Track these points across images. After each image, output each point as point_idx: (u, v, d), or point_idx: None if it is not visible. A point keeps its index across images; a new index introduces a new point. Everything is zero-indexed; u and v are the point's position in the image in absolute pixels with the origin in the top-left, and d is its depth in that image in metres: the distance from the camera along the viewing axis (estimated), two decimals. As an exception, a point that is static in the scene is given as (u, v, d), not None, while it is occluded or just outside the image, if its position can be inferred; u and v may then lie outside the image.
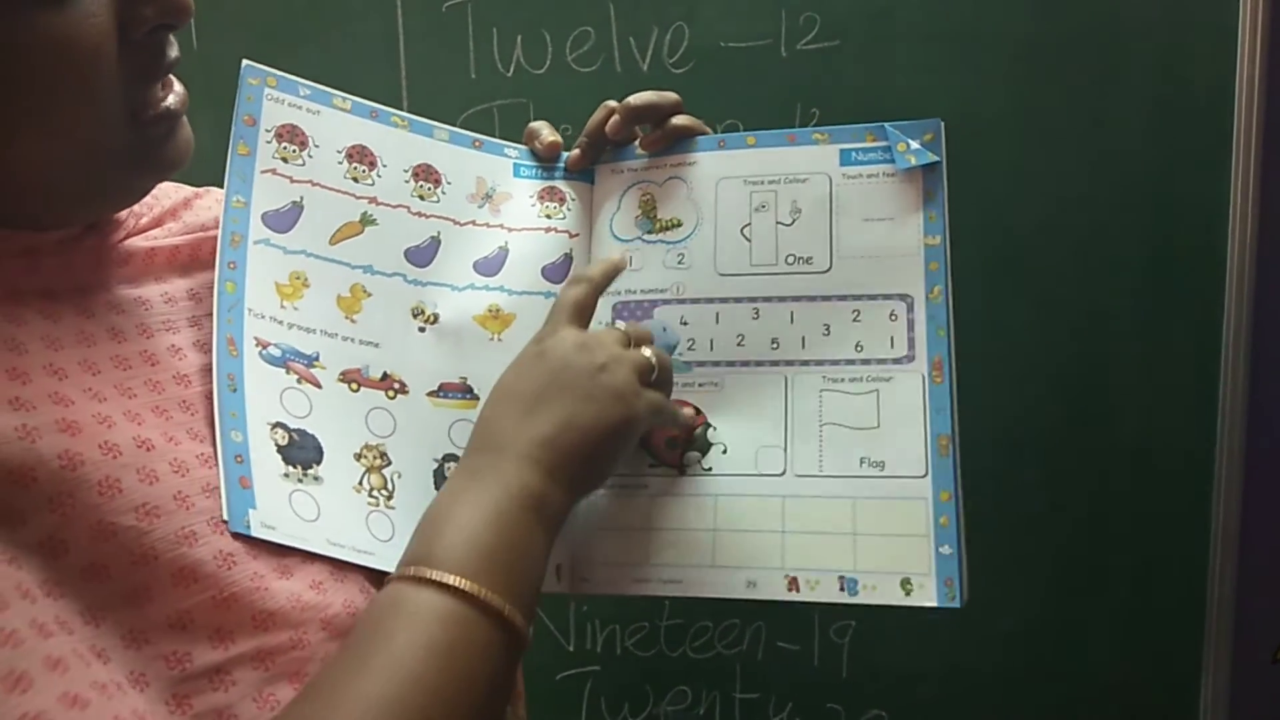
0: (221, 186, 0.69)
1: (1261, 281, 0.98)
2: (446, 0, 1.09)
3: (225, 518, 0.55)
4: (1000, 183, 1.01)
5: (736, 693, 1.10)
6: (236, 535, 0.55)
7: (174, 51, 0.56)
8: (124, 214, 0.63)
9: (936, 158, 0.71)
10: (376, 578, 0.61)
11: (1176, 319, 1.00)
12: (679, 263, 0.75)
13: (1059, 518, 1.03)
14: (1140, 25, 0.98)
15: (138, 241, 0.63)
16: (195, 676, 0.50)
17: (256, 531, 0.56)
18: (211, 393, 0.60)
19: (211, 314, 0.63)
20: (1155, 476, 1.02)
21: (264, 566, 0.55)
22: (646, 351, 0.69)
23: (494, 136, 0.80)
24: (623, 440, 0.66)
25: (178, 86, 0.57)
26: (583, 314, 0.69)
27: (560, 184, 0.79)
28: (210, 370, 0.61)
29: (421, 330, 0.72)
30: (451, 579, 0.54)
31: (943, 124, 0.71)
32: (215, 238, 0.66)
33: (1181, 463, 1.01)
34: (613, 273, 0.72)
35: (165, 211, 0.67)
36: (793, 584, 0.68)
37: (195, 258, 0.66)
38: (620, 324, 0.71)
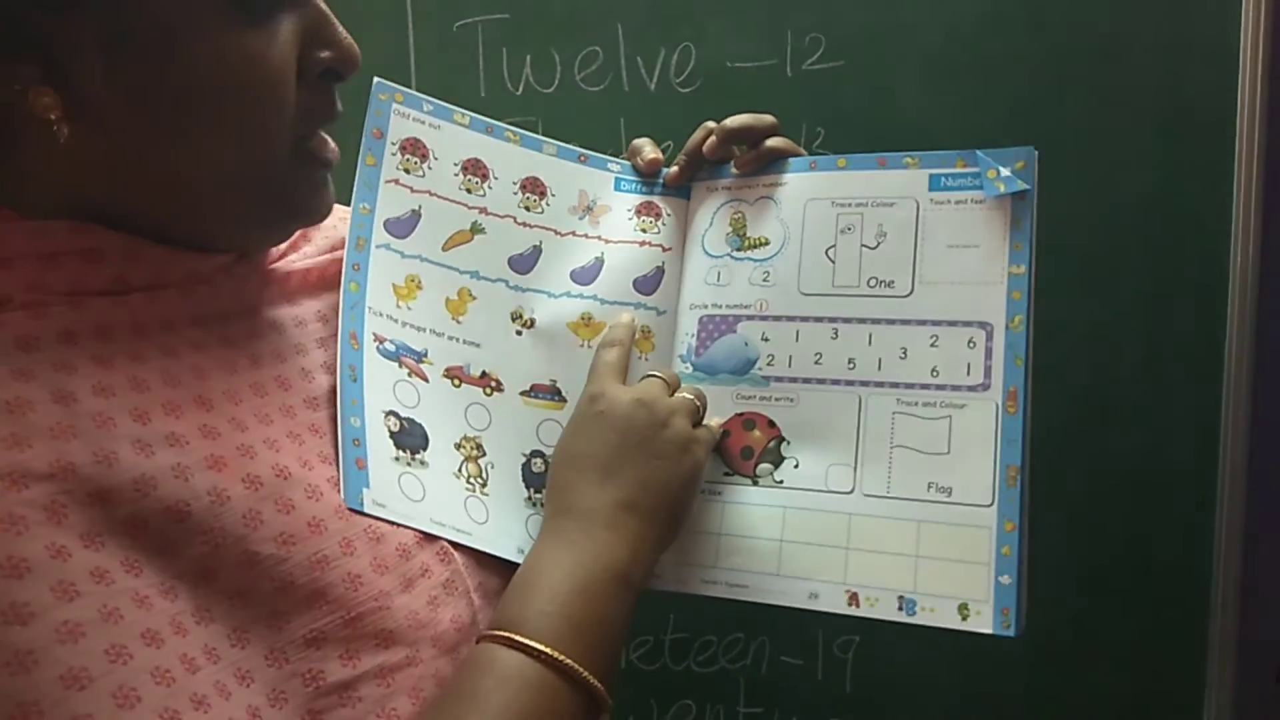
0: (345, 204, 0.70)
1: (1264, 297, 0.98)
2: (458, 19, 1.08)
3: (341, 495, 0.58)
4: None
5: (740, 706, 1.09)
6: (352, 536, 0.57)
7: (338, 104, 0.59)
8: None
9: (1027, 186, 0.69)
10: (481, 589, 0.64)
11: (1180, 335, 0.99)
12: (764, 280, 0.75)
13: (1060, 534, 1.02)
14: (1141, 44, 0.98)
15: (278, 266, 0.66)
16: (328, 693, 0.53)
17: (369, 509, 0.59)
18: (315, 421, 0.62)
19: (336, 336, 0.66)
20: (1157, 490, 1.00)
21: (388, 583, 0.57)
22: (688, 394, 0.72)
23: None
24: (694, 487, 0.69)
25: (333, 144, 0.60)
26: (622, 372, 0.72)
27: (658, 199, 0.80)
28: (315, 400, 0.62)
29: (519, 333, 0.75)
30: (544, 648, 0.56)
31: (1036, 153, 0.70)
32: (340, 258, 0.69)
33: (1184, 477, 1.00)
34: (631, 333, 0.75)
35: (299, 236, 0.69)
36: (853, 599, 0.69)
37: (324, 279, 0.68)
38: (657, 373, 0.73)
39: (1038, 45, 1.00)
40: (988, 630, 0.65)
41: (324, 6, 0.58)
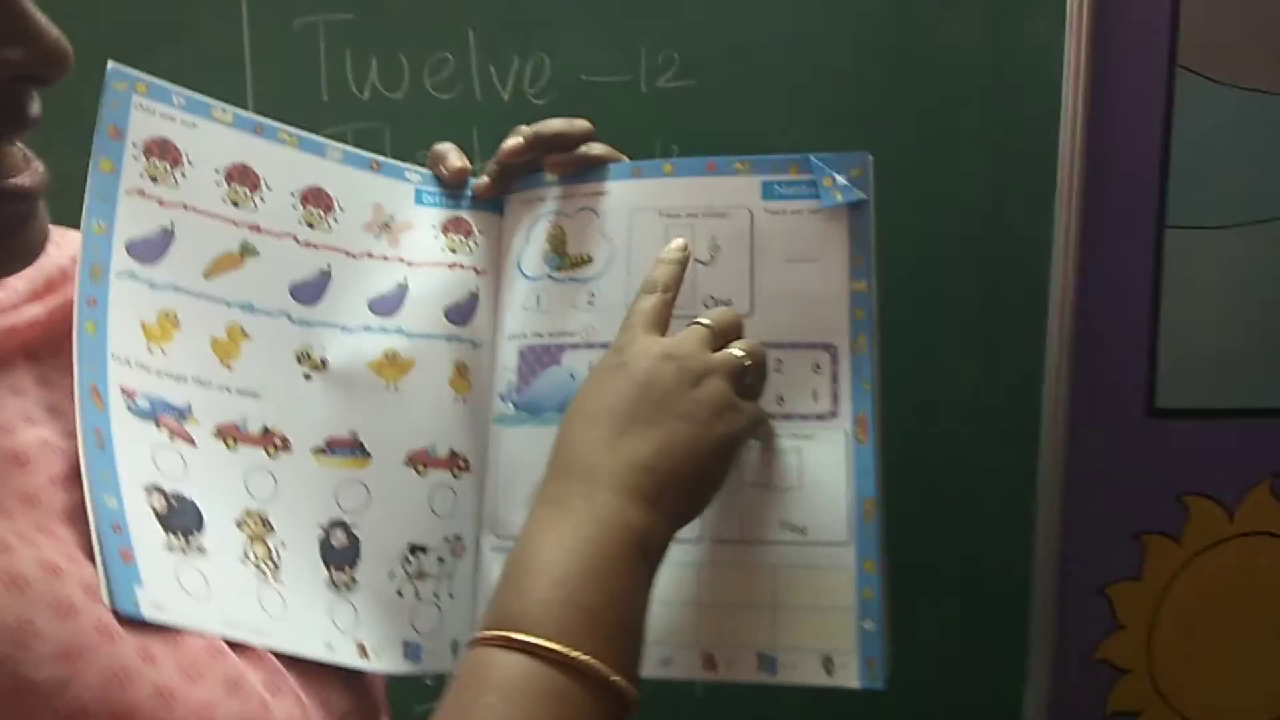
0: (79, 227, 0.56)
1: (1081, 309, 1.02)
2: (297, 17, 1.00)
3: (106, 599, 0.45)
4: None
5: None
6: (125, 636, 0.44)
7: (36, 108, 0.42)
8: None
9: (864, 195, 0.63)
10: (304, 685, 0.52)
11: (1005, 345, 1.04)
12: (589, 303, 0.66)
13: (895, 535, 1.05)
14: (975, 68, 1.02)
15: None
16: None
17: (146, 613, 0.46)
18: (70, 506, 0.48)
19: (70, 397, 0.52)
20: (981, 493, 1.05)
21: (208, 692, 0.45)
22: (737, 350, 0.59)
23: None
24: (724, 462, 0.57)
25: (37, 164, 0.44)
26: (660, 323, 0.60)
27: (467, 214, 0.69)
28: (62, 479, 0.49)
29: (307, 378, 0.62)
30: (550, 644, 0.46)
31: (871, 158, 0.64)
32: (63, 301, 0.54)
33: (1007, 480, 1.05)
34: (681, 268, 0.63)
35: None
36: (709, 662, 0.61)
37: (45, 332, 0.53)
38: (704, 319, 0.60)
39: (878, 67, 1.02)
40: (854, 685, 0.59)
41: None
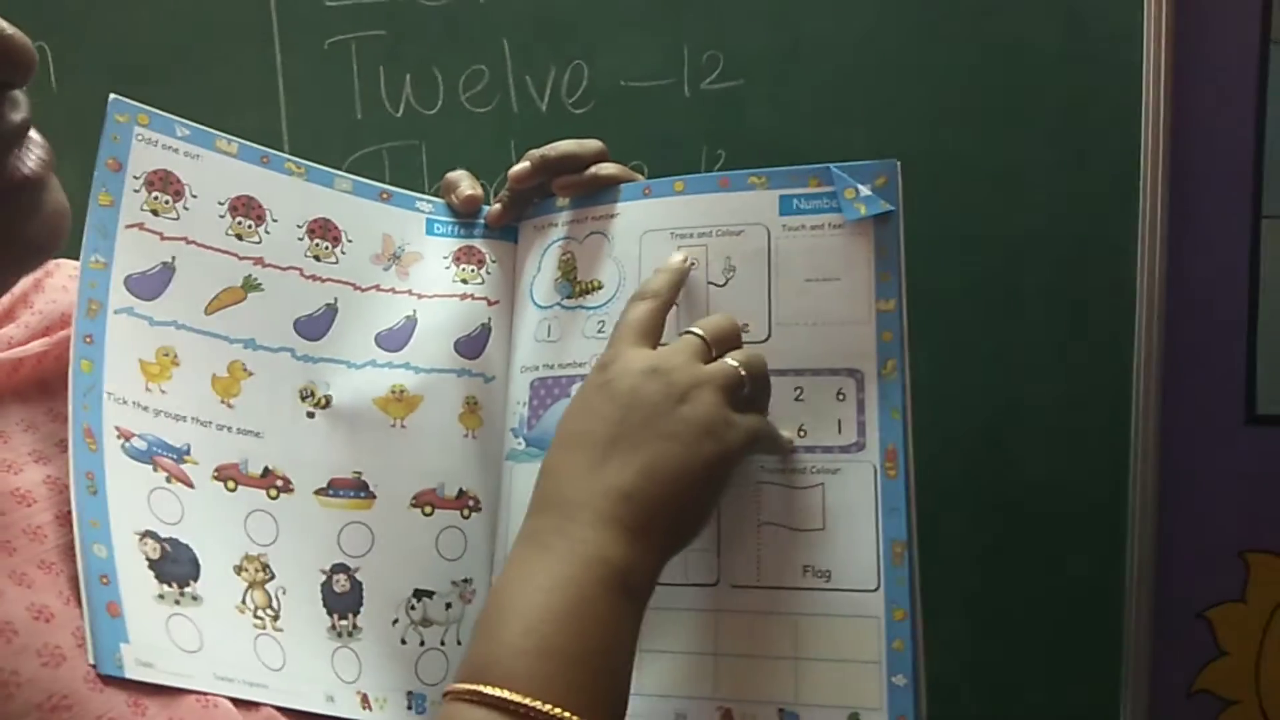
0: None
1: (1171, 311, 0.96)
2: (328, 37, 0.99)
3: (90, 657, 0.44)
4: (907, 224, 0.98)
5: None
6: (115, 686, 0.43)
7: (19, 114, 0.41)
8: None
9: (891, 206, 0.59)
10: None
11: (1087, 356, 0.97)
12: (599, 331, 0.63)
13: (973, 560, 0.99)
14: (1047, 64, 0.95)
15: None
16: None
17: (131, 671, 0.45)
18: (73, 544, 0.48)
19: (59, 444, 0.51)
20: (1067, 516, 0.99)
21: None
22: (733, 360, 0.55)
23: (385, 181, 0.67)
24: (716, 485, 0.53)
25: (37, 144, 0.42)
26: (650, 334, 0.56)
27: (480, 243, 0.67)
28: (68, 517, 0.48)
29: (310, 415, 0.60)
30: (519, 698, 0.43)
31: (899, 165, 0.59)
32: (57, 344, 0.53)
33: (1095, 501, 0.98)
34: (678, 280, 0.59)
35: (16, 299, 0.54)
36: (726, 716, 0.57)
37: (36, 374, 0.52)
38: (696, 329, 0.57)
39: (941, 65, 0.96)
40: None
41: None
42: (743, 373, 0.55)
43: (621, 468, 0.50)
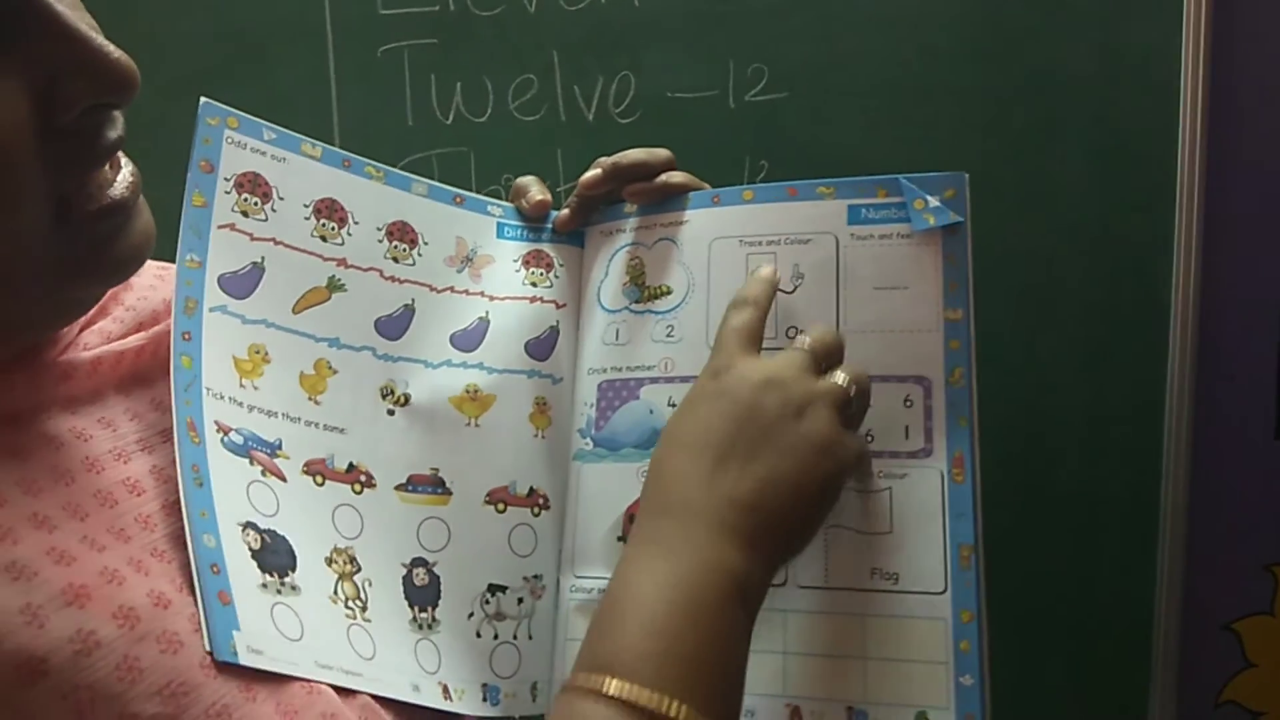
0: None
1: (1205, 325, 0.97)
2: (381, 44, 1.01)
3: (206, 644, 0.45)
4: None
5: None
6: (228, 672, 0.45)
7: (115, 132, 0.43)
8: None
9: (960, 217, 0.59)
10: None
11: (1120, 370, 0.98)
12: (668, 335, 0.64)
13: (1002, 569, 1.00)
14: (1082, 76, 0.97)
15: (69, 358, 0.50)
16: None
17: (244, 659, 0.46)
18: (182, 532, 0.49)
19: (161, 434, 0.52)
20: (1097, 527, 1.00)
21: None
22: (840, 377, 0.55)
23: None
24: (827, 502, 0.53)
25: (128, 168, 0.45)
26: (755, 341, 0.56)
27: (548, 247, 0.68)
28: (175, 506, 0.50)
29: (390, 413, 0.62)
30: (645, 695, 0.43)
31: (967, 178, 0.60)
32: (155, 337, 0.55)
33: (1126, 508, 0.99)
34: (772, 289, 0.59)
35: (108, 296, 0.55)
36: (795, 714, 0.58)
37: (135, 367, 0.54)
38: (803, 339, 0.56)
39: (978, 78, 0.98)
40: None
41: (62, 17, 0.40)
42: (851, 391, 0.55)
43: (740, 478, 0.50)
